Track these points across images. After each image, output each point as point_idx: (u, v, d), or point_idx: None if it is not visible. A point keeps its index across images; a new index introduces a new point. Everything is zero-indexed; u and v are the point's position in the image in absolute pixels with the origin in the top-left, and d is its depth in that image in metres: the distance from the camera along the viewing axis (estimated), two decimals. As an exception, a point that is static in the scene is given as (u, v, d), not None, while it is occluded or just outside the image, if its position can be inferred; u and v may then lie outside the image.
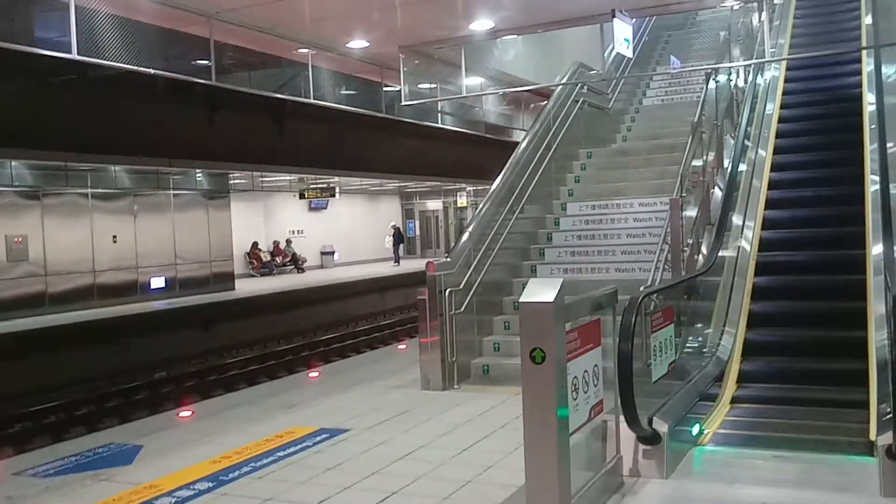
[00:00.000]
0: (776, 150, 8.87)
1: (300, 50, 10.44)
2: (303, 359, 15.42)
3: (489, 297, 8.07)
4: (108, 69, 9.22)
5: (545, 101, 10.64)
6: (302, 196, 26.13)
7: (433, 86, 11.91)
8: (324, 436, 5.67)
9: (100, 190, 16.96)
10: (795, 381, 6.07)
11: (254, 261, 25.21)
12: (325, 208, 29.17)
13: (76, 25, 7.55)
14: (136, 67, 8.29)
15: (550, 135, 9.81)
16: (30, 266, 15.46)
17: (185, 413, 6.78)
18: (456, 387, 7.09)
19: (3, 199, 15.15)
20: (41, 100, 11.35)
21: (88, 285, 16.54)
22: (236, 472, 4.90)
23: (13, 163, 15.05)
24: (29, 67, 10.35)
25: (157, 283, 18.04)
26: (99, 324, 14.85)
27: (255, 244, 25.36)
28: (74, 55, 7.50)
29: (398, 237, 30.36)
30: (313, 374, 8.55)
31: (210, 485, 4.70)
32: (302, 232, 28.06)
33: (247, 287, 20.45)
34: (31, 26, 8.59)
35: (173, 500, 4.45)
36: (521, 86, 12.40)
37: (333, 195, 26.30)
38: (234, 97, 11.77)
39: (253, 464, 5.07)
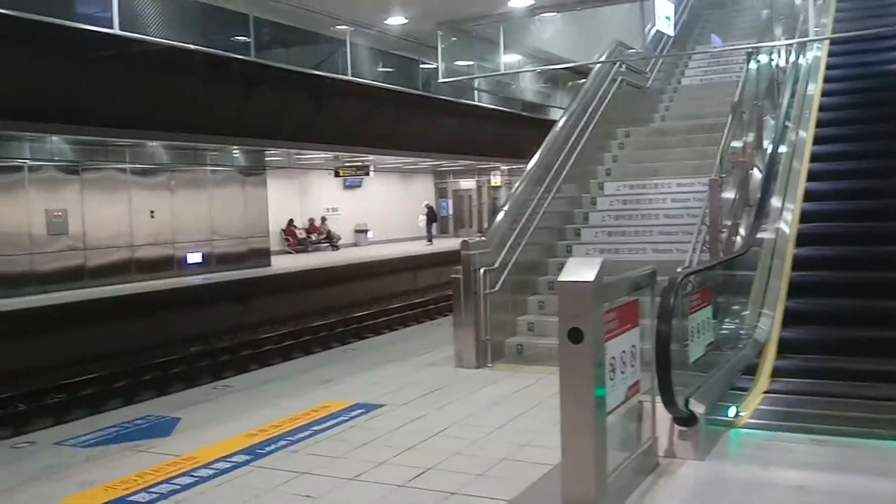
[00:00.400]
0: (819, 125, 8.76)
1: (338, 27, 10.43)
2: (337, 335, 15.55)
3: (524, 277, 8.05)
4: (147, 45, 9.31)
5: (583, 80, 10.53)
6: (337, 174, 26.23)
7: (470, 63, 11.84)
8: (359, 411, 5.72)
9: (138, 165, 17.15)
10: (837, 351, 6.01)
11: (289, 237, 25.40)
12: (360, 186, 29.26)
13: (118, 0, 7.61)
14: (176, 43, 8.33)
15: (588, 113, 9.73)
16: (69, 240, 15.71)
17: (222, 386, 6.87)
18: (489, 365, 7.10)
19: (43, 173, 15.39)
20: (81, 76, 11.46)
21: (126, 260, 16.78)
22: (272, 446, 4.96)
23: (53, 138, 15.26)
24: (69, 43, 10.46)
25: (194, 258, 18.25)
26: (136, 298, 15.07)
27: (290, 221, 25.54)
28: (116, 30, 7.56)
29: (431, 216, 30.38)
30: (348, 349, 8.61)
31: (247, 458, 4.76)
32: (336, 209, 28.19)
33: (283, 263, 20.62)
34: (71, 1, 8.68)
35: (211, 472, 4.52)
36: (559, 63, 12.29)
37: (368, 173, 26.36)
38: (272, 74, 11.81)
39: (289, 438, 5.12)
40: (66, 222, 15.62)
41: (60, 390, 11.26)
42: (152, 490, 4.26)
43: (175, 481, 4.39)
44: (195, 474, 4.49)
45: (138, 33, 7.92)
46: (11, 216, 14.71)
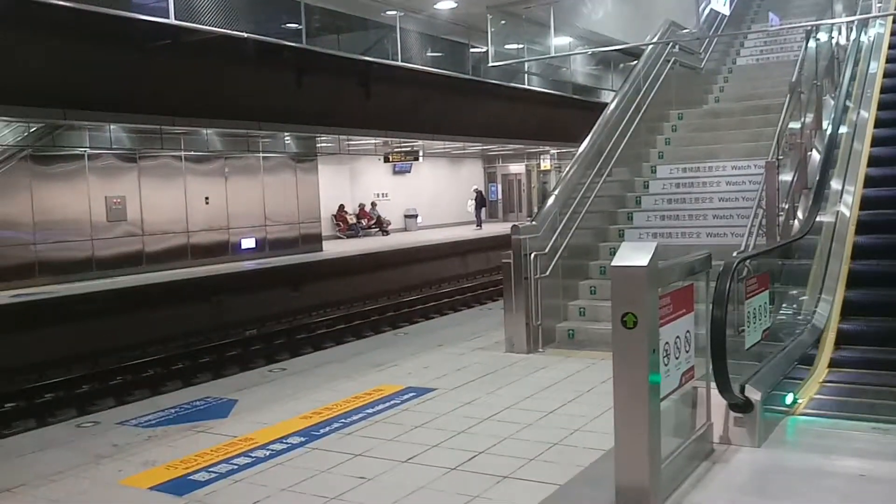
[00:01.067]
0: (881, 108, 8.49)
1: (388, 12, 10.44)
2: (388, 319, 15.67)
3: (575, 262, 8.00)
4: (201, 33, 9.44)
5: (635, 61, 10.39)
6: (386, 159, 26.37)
7: (520, 46, 11.76)
8: (411, 394, 5.77)
9: (192, 153, 17.48)
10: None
11: (340, 223, 25.64)
12: (409, 172, 29.38)
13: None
14: (229, 31, 8.44)
15: (640, 96, 9.59)
16: (128, 226, 16.11)
17: (277, 369, 7.00)
18: (540, 350, 7.09)
19: (102, 161, 15.78)
20: (137, 65, 11.71)
21: (182, 245, 17.15)
22: (327, 428, 5.04)
23: (112, 126, 15.63)
24: (126, 34, 10.68)
25: (248, 243, 18.56)
26: (192, 282, 15.40)
27: (341, 206, 25.77)
28: (172, 20, 7.69)
29: (480, 201, 30.36)
30: (399, 333, 8.68)
31: (302, 439, 4.84)
32: (386, 195, 28.36)
33: (334, 248, 20.82)
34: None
35: (268, 453, 4.61)
36: (611, 45, 12.13)
37: (417, 158, 26.47)
38: (322, 60, 11.89)
39: (343, 420, 5.20)
40: (125, 209, 16.02)
41: (122, 372, 11.57)
42: (211, 469, 4.37)
43: (233, 461, 4.49)
44: (252, 455, 4.59)
45: (193, 22, 8.03)
46: (73, 203, 15.14)
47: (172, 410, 5.70)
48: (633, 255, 3.42)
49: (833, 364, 5.77)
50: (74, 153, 15.32)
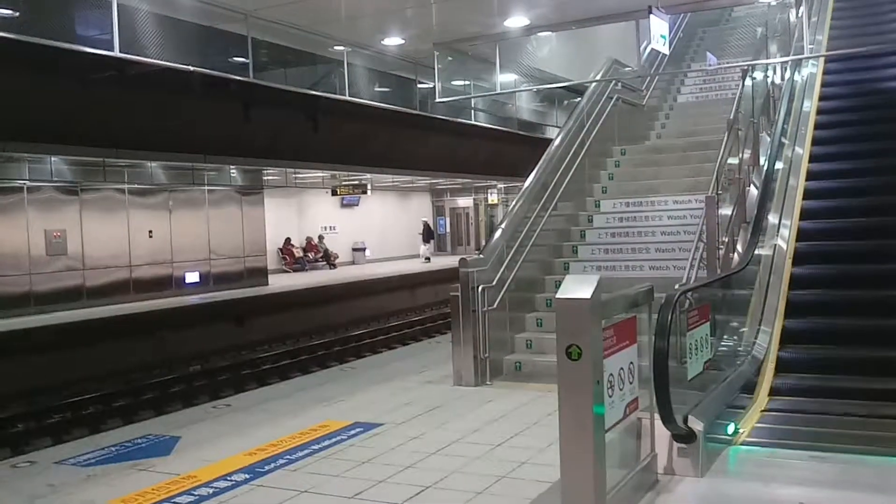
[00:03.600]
0: (815, 143, 8.83)
1: (336, 47, 10.51)
2: (335, 353, 15.53)
3: (522, 294, 8.07)
4: (146, 66, 9.37)
5: (579, 98, 10.62)
6: (334, 193, 26.30)
7: (466, 83, 11.93)
8: (358, 430, 5.73)
9: (136, 185, 17.21)
10: (835, 370, 6.03)
11: (286, 256, 25.41)
12: (357, 205, 29.33)
13: (118, 23, 7.68)
14: (174, 64, 8.39)
15: (584, 132, 9.80)
16: (68, 260, 15.74)
17: (220, 406, 6.88)
18: (488, 383, 7.11)
19: (43, 194, 15.43)
20: (81, 97, 11.53)
21: (125, 279, 16.79)
22: (272, 465, 4.97)
23: (53, 158, 15.32)
24: (70, 65, 10.52)
25: (192, 277, 18.26)
26: (135, 317, 15.06)
27: (287, 240, 25.56)
28: (116, 52, 7.63)
29: (428, 233, 30.39)
30: (346, 368, 8.61)
31: (247, 476, 4.77)
32: (334, 228, 28.23)
33: (280, 282, 20.62)
34: (72, 24, 8.75)
35: (211, 491, 4.52)
36: (555, 82, 12.38)
37: (365, 192, 26.46)
38: (270, 94, 11.87)
39: (288, 456, 5.13)
40: (65, 242, 15.66)
41: (60, 410, 11.23)
42: (153, 510, 4.27)
43: (176, 500, 4.39)
44: (196, 493, 4.50)
45: (138, 55, 7.98)
46: (11, 237, 14.75)
47: (113, 449, 5.56)
48: (577, 287, 3.47)
49: (773, 392, 5.91)
50: (13, 185, 14.96)
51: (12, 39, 8.16)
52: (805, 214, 7.81)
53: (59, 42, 7.76)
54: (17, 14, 7.90)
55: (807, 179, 8.30)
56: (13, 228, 14.81)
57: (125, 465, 5.15)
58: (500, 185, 32.79)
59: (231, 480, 4.70)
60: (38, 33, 7.95)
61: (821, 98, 9.87)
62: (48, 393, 12.03)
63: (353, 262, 28.28)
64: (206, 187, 18.78)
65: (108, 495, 4.53)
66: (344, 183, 26.00)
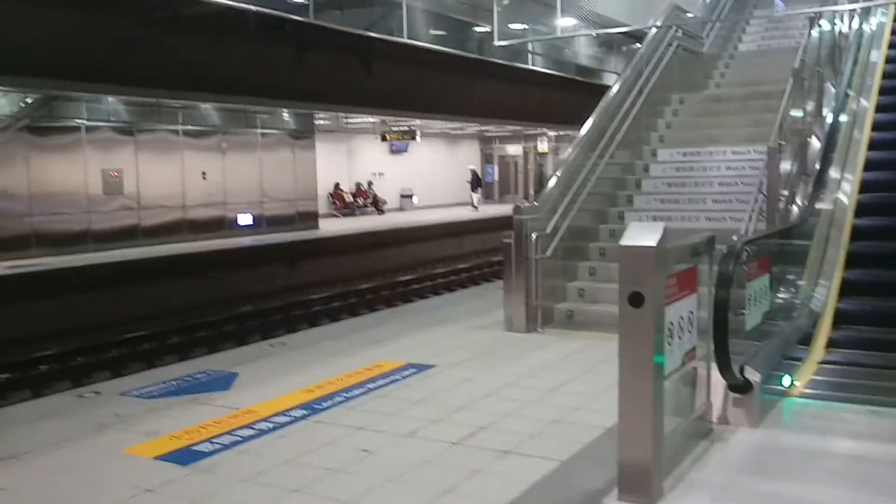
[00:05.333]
0: (882, 93, 8.54)
1: (396, -13, 10.39)
2: (383, 297, 15.71)
3: (575, 243, 8.03)
4: (202, 6, 9.39)
5: (638, 44, 10.38)
6: (384, 138, 26.30)
7: (525, 26, 11.72)
8: (411, 370, 5.81)
9: (190, 127, 17.41)
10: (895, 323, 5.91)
11: (336, 201, 25.61)
12: (406, 151, 29.31)
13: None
14: (230, 2, 8.37)
15: (643, 79, 9.59)
16: (124, 200, 16.08)
17: (276, 344, 7.03)
18: (539, 330, 7.13)
19: (99, 134, 15.71)
20: (136, 37, 11.62)
21: (179, 220, 17.12)
22: (329, 402, 5.08)
23: (109, 99, 15.54)
24: (126, 4, 10.60)
25: (245, 219, 18.54)
26: (189, 258, 15.38)
27: (337, 185, 25.73)
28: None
29: (476, 181, 30.26)
30: (396, 311, 8.71)
31: (304, 412, 4.88)
32: (383, 174, 28.31)
33: (330, 226, 20.82)
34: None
35: (271, 426, 4.65)
36: (615, 27, 12.09)
37: (414, 138, 26.40)
38: (324, 37, 11.82)
39: (344, 394, 5.24)
40: (122, 182, 15.98)
41: (119, 345, 11.59)
42: (215, 441, 4.41)
43: (237, 433, 4.52)
44: (255, 427, 4.63)
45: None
46: (69, 176, 15.08)
47: (174, 382, 5.73)
48: (642, 235, 3.45)
49: (830, 344, 5.82)
50: (71, 125, 15.25)
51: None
52: (869, 165, 7.60)
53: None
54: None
55: (872, 130, 8.06)
56: (71, 167, 15.14)
57: (186, 398, 5.31)
58: (551, 133, 32.42)
59: (289, 416, 4.82)
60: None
61: (891, 46, 9.51)
62: (106, 329, 12.39)
63: (400, 209, 28.40)
64: (259, 130, 18.93)
65: (171, 426, 4.68)
66: (393, 129, 25.97)
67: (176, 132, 17.15)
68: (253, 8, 8.94)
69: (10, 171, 14.20)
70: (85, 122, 15.43)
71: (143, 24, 11.27)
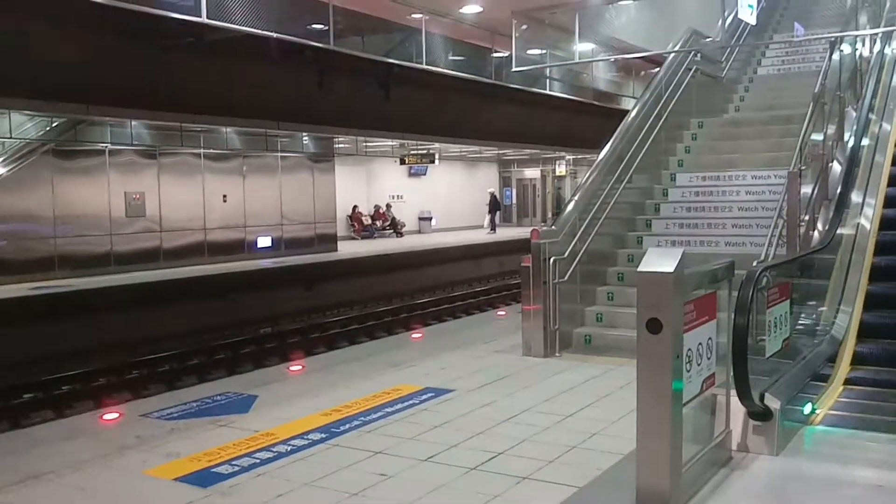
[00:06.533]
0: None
1: (413, 15, 10.50)
2: (401, 320, 15.72)
3: (593, 267, 8.03)
4: (225, 32, 9.53)
5: (657, 69, 10.41)
6: (402, 162, 26.44)
7: (542, 51, 11.80)
8: (430, 394, 5.82)
9: (212, 150, 17.60)
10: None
11: (355, 223, 25.73)
12: (425, 174, 29.44)
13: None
14: (254, 30, 8.52)
15: (661, 103, 9.61)
16: (146, 222, 16.25)
17: (295, 367, 7.06)
18: (557, 355, 7.12)
19: (123, 157, 15.92)
20: (160, 63, 11.81)
21: (199, 242, 17.27)
22: (347, 425, 5.09)
23: (133, 122, 15.76)
24: (149, 31, 10.77)
25: (264, 242, 18.67)
26: (209, 279, 15.49)
27: (355, 207, 25.86)
28: (203, 18, 7.78)
29: (494, 204, 30.31)
30: (416, 335, 8.73)
31: (323, 436, 4.90)
32: (401, 197, 28.44)
33: (349, 249, 20.91)
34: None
35: (289, 448, 4.67)
36: (633, 52, 12.14)
37: (433, 161, 26.53)
38: (344, 62, 11.95)
39: (362, 418, 5.25)
40: (144, 205, 16.16)
41: (138, 366, 11.66)
42: (234, 462, 4.43)
43: (255, 455, 4.55)
44: (274, 450, 4.65)
45: (222, 21, 8.13)
46: (93, 198, 15.28)
47: (194, 404, 5.77)
48: (660, 261, 3.45)
49: (849, 382, 5.75)
50: (96, 148, 15.47)
51: (98, 3, 8.40)
52: (889, 201, 7.47)
53: (145, 7, 7.94)
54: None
55: (893, 163, 7.96)
56: (95, 190, 15.34)
57: (206, 420, 5.34)
58: (569, 157, 32.46)
59: (308, 439, 4.83)
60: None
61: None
62: (127, 349, 12.49)
63: (419, 231, 28.48)
64: (279, 154, 19.11)
65: (191, 448, 4.71)
66: (412, 152, 26.11)
67: (198, 155, 17.35)
68: (274, 35, 9.06)
69: (35, 194, 14.41)
70: (109, 145, 15.66)
71: (166, 49, 11.45)
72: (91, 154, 15.38)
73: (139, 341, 12.88)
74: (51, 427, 6.09)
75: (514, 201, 35.66)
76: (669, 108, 9.74)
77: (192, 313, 14.42)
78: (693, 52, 10.44)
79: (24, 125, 14.46)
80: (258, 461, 4.46)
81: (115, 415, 5.56)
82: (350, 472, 4.28)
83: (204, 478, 4.23)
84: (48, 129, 14.79)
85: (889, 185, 7.60)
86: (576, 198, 8.07)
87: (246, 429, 5.08)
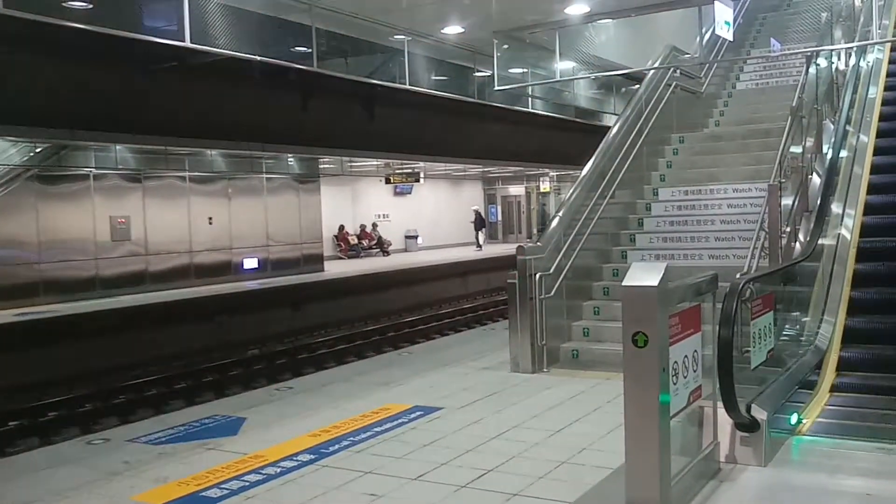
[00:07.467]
0: (879, 135, 8.59)
1: (396, 36, 10.59)
2: (389, 339, 15.70)
3: (579, 282, 8.08)
4: (208, 56, 9.57)
5: (637, 86, 10.53)
6: (388, 181, 26.52)
7: (524, 70, 11.91)
8: (418, 413, 5.82)
9: (197, 173, 17.58)
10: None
11: (341, 243, 25.71)
12: (410, 193, 29.53)
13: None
14: (238, 53, 8.56)
15: (642, 119, 9.71)
16: (132, 246, 16.18)
17: (282, 388, 7.05)
18: (545, 370, 7.14)
19: (107, 181, 15.87)
20: (144, 87, 11.82)
21: (186, 265, 17.21)
22: (336, 446, 5.09)
23: (117, 147, 15.73)
24: (133, 55, 10.79)
25: (250, 263, 18.63)
26: (195, 302, 15.43)
27: (341, 227, 25.86)
28: (187, 43, 7.81)
29: (479, 222, 30.42)
30: (404, 353, 8.73)
31: (312, 457, 4.89)
32: (387, 216, 28.47)
33: (335, 269, 20.89)
34: (139, 16, 8.99)
35: (279, 470, 4.66)
36: (613, 69, 12.27)
37: (418, 180, 26.63)
38: (328, 83, 12.00)
39: (351, 438, 5.25)
40: (129, 229, 16.09)
41: (125, 391, 11.58)
42: (223, 486, 4.42)
43: (244, 478, 4.53)
44: (263, 472, 4.64)
45: (205, 45, 8.18)
46: (78, 223, 15.21)
47: (182, 428, 5.74)
48: (644, 275, 3.49)
49: (835, 389, 5.81)
50: (80, 173, 15.41)
51: (80, 29, 8.42)
52: (869, 209, 7.57)
53: (129, 32, 7.97)
54: (91, 6, 8.13)
55: (871, 172, 8.08)
56: (80, 215, 15.27)
57: (195, 443, 5.32)
58: (553, 174, 32.65)
59: (297, 461, 4.83)
60: (105, 24, 8.19)
61: (886, 87, 9.61)
62: (113, 374, 12.40)
63: (405, 250, 28.50)
64: (265, 175, 19.10)
65: (179, 472, 4.69)
66: (397, 171, 26.20)
67: (183, 178, 17.32)
68: (258, 57, 9.10)
69: (19, 220, 14.33)
70: (93, 170, 15.60)
71: (149, 73, 11.46)
72: (75, 179, 15.32)
73: (125, 366, 12.80)
74: (38, 454, 6.02)
75: (500, 218, 35.78)
76: (650, 123, 9.85)
77: (178, 336, 14.35)
78: (672, 69, 10.57)
79: (7, 151, 14.39)
80: (247, 484, 4.44)
81: (102, 440, 5.53)
82: (340, 492, 4.28)
83: (193, 502, 4.21)
84: (32, 154, 14.73)
85: (868, 192, 7.71)
86: (560, 214, 8.14)
87: (235, 451, 5.07)
